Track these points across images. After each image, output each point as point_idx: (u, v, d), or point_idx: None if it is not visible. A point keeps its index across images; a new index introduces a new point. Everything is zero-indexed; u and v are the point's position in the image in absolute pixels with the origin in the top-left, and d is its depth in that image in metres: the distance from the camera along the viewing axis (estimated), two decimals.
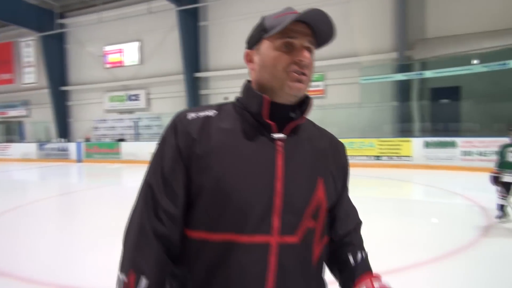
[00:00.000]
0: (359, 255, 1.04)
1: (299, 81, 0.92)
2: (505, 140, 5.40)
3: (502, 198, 5.13)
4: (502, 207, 5.20)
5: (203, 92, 17.58)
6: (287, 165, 0.92)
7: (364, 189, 8.55)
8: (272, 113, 0.93)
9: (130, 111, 19.23)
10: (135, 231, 0.91)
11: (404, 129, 12.96)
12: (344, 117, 13.99)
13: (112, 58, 19.36)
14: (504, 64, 10.61)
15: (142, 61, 18.68)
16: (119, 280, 0.89)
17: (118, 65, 19.17)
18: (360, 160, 12.30)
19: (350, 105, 14.06)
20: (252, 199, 0.88)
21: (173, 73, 17.58)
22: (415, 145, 11.66)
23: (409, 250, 4.27)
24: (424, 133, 12.67)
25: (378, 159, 12.21)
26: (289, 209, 0.89)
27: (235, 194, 0.88)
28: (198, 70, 17.25)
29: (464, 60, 11.68)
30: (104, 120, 19.70)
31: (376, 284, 0.97)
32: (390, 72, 13.38)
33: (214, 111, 0.98)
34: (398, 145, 12.03)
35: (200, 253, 0.90)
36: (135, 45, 18.70)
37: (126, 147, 16.63)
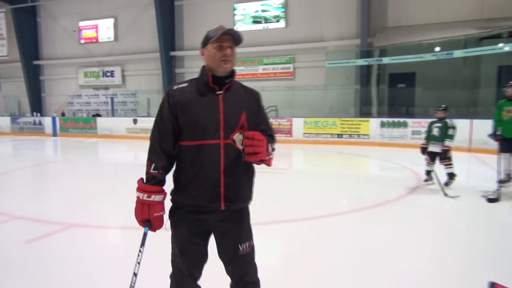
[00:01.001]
0: (270, 132, 1.93)
1: (226, 64, 1.79)
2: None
3: (428, 165, 6.34)
4: (428, 172, 6.40)
5: (178, 70, 18.17)
6: (225, 105, 1.82)
7: (328, 163, 9.76)
8: (214, 80, 1.83)
9: (105, 87, 19.57)
10: (151, 146, 1.85)
11: (364, 111, 14.24)
12: (311, 98, 15.09)
13: (86, 34, 19.49)
14: (450, 53, 11.95)
15: (117, 38, 18.96)
16: (147, 167, 1.84)
17: (93, 41, 19.35)
18: (324, 137, 13.48)
19: (316, 87, 15.16)
20: (209, 123, 1.78)
21: (149, 51, 18.04)
22: (373, 125, 12.92)
23: (352, 202, 5.43)
24: (381, 114, 13.98)
25: (340, 137, 13.41)
26: (227, 127, 1.79)
27: (201, 122, 1.78)
28: (173, 49, 17.78)
29: (418, 48, 12.94)
30: (79, 95, 19.95)
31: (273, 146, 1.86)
32: (353, 58, 14.53)
33: (187, 84, 1.89)
34: (358, 124, 13.25)
35: (187, 151, 1.81)
36: (110, 21, 18.91)
37: (102, 123, 17.11)
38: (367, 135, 12.99)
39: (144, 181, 1.82)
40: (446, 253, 3.54)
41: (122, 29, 18.79)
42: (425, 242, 3.88)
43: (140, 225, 1.82)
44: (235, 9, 16.88)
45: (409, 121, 12.33)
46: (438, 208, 5.23)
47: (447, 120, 6.09)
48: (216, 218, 1.82)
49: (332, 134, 13.50)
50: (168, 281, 1.93)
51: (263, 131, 1.84)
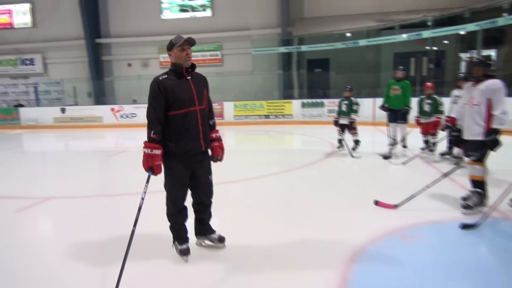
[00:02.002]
0: (212, 120, 3.11)
1: (188, 60, 2.83)
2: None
3: (339, 135, 7.92)
4: (340, 141, 7.99)
5: (105, 58, 18.07)
6: (194, 85, 2.89)
7: (258, 141, 11.08)
8: (185, 70, 2.89)
9: (25, 76, 18.66)
10: (150, 119, 2.82)
11: (287, 93, 15.87)
12: (238, 83, 16.29)
13: None
14: (356, 42, 13.96)
15: (35, 24, 18.13)
16: (148, 134, 2.83)
17: (7, 27, 18.25)
18: (253, 119, 14.83)
19: (243, 72, 16.39)
20: (188, 97, 2.83)
21: (73, 38, 17.63)
22: (295, 106, 14.57)
23: (282, 166, 6.79)
24: (302, 96, 15.72)
25: (267, 118, 14.86)
26: (199, 99, 2.90)
27: (183, 97, 2.82)
28: (99, 36, 17.61)
29: (330, 37, 14.79)
30: None
31: (218, 134, 3.11)
32: (276, 45, 16.01)
33: (166, 75, 2.89)
34: (282, 106, 14.81)
35: (177, 117, 2.84)
36: (26, 6, 17.98)
37: (26, 113, 16.49)
38: (291, 115, 14.61)
39: (148, 141, 2.82)
40: (354, 194, 5.03)
41: (41, 14, 18.00)
42: (338, 190, 5.35)
43: (146, 171, 2.80)
44: None
45: (326, 101, 14.19)
46: (347, 166, 6.82)
47: (352, 98, 7.68)
48: (198, 158, 2.94)
49: (260, 115, 14.90)
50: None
51: (210, 118, 3.06)
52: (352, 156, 7.28)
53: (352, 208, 4.31)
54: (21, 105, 17.32)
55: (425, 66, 14.10)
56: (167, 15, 17.31)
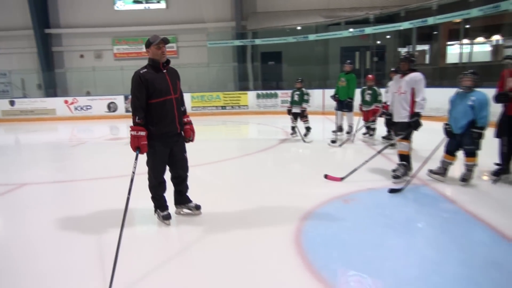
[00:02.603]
0: (183, 107, 3.69)
1: (164, 56, 3.38)
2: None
3: (292, 123, 8.70)
4: (293, 128, 8.77)
5: (55, 49, 17.60)
6: (169, 77, 3.46)
7: (216, 130, 11.62)
8: (161, 65, 3.45)
9: None
10: (134, 107, 3.34)
11: (242, 85, 16.51)
12: (195, 75, 16.64)
13: None
14: (306, 37, 14.88)
15: None
16: (133, 119, 3.37)
17: None
18: (210, 110, 15.32)
19: (199, 64, 16.78)
20: (165, 88, 3.39)
21: (19, 28, 16.97)
22: (250, 97, 15.25)
23: (241, 151, 7.42)
24: (257, 88, 16.43)
25: (224, 108, 15.42)
26: (174, 89, 3.47)
27: (161, 87, 3.38)
28: (48, 26, 17.12)
29: (282, 32, 15.60)
30: None
31: (189, 118, 3.73)
32: (230, 38, 16.54)
33: (145, 69, 3.44)
34: (238, 97, 15.42)
35: (157, 105, 3.38)
36: None
37: None
38: (246, 105, 15.28)
39: (134, 125, 3.34)
40: (306, 172, 5.80)
41: None
42: (292, 169, 6.11)
43: (134, 151, 3.33)
44: None
45: (279, 92, 15.00)
46: (300, 150, 7.62)
47: (303, 89, 8.47)
48: (174, 138, 3.52)
49: (217, 106, 15.42)
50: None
51: (182, 105, 3.63)
52: (304, 141, 8.09)
53: (305, 182, 5.07)
54: None
55: (369, 59, 15.35)
56: (120, 6, 17.19)
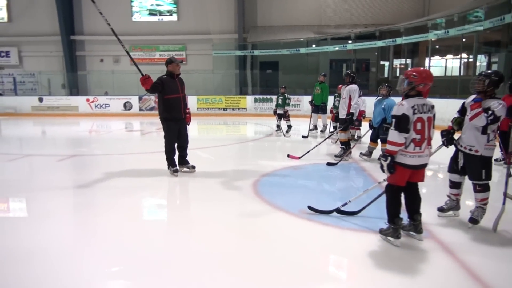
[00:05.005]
0: (186, 102, 5.80)
1: (179, 72, 5.59)
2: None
3: (277, 121, 10.73)
4: (277, 126, 10.81)
5: (78, 53, 19.88)
6: (179, 84, 5.57)
7: (218, 129, 13.76)
8: (176, 76, 5.58)
9: (0, 67, 20.01)
10: (154, 88, 5.38)
11: (242, 90, 18.65)
12: (201, 80, 18.81)
13: None
14: (298, 50, 17.01)
15: (11, 19, 19.55)
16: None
17: None
18: (213, 111, 17.43)
19: (205, 71, 18.95)
20: (176, 88, 5.50)
21: (48, 34, 19.28)
22: (248, 101, 17.34)
23: (239, 140, 9.55)
24: (255, 93, 18.54)
25: (225, 110, 17.53)
26: (181, 90, 5.59)
27: (173, 89, 5.47)
28: (73, 33, 19.41)
29: (278, 44, 17.73)
30: None
31: (189, 109, 5.82)
32: (233, 49, 18.73)
33: (165, 76, 5.56)
34: (238, 100, 17.51)
35: (170, 102, 5.49)
36: (2, 1, 19.36)
37: (5, 101, 17.96)
38: (245, 108, 17.37)
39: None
40: (280, 155, 7.88)
41: (17, 10, 19.46)
42: (272, 153, 8.20)
43: (145, 87, 5.29)
44: (132, 1, 19.39)
45: (274, 97, 16.93)
46: (281, 144, 9.68)
47: (286, 94, 10.51)
48: (181, 121, 5.63)
49: (219, 108, 17.53)
50: None
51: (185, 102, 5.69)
52: (285, 136, 10.14)
53: (275, 160, 7.16)
54: (1, 94, 18.76)
55: (354, 70, 17.40)
56: (137, 17, 19.45)
